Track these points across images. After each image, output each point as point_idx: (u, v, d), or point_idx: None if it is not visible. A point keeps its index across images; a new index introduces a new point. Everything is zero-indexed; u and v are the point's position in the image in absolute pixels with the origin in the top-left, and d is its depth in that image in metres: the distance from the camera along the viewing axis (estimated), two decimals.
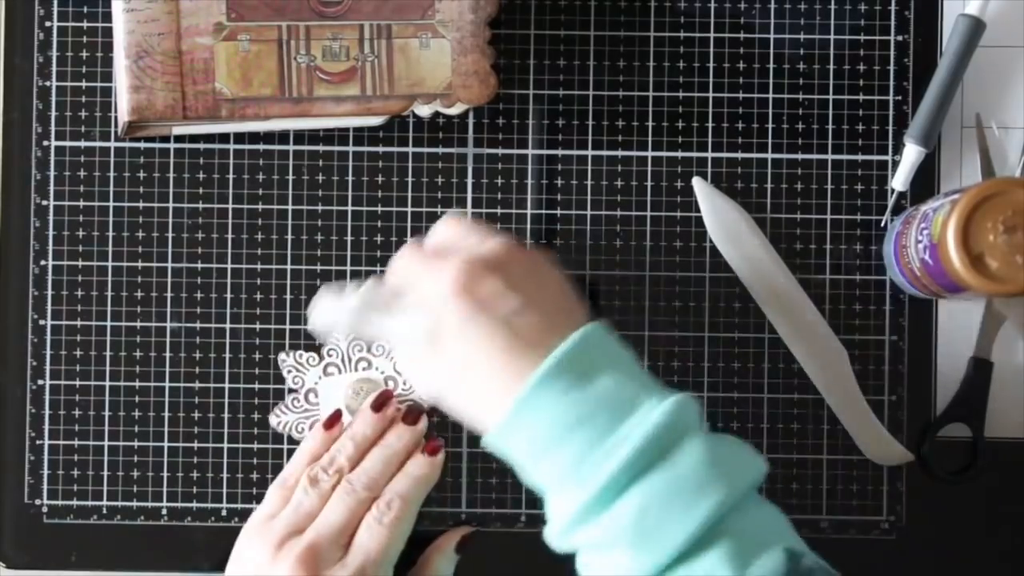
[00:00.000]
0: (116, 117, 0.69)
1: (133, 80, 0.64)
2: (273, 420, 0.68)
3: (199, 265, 0.70)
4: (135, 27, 0.64)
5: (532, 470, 0.54)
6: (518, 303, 0.54)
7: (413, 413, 0.67)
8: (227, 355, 0.70)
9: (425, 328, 0.55)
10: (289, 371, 0.68)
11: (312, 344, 0.69)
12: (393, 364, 0.67)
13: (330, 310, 0.58)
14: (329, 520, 0.63)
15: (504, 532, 0.70)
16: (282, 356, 0.68)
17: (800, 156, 0.70)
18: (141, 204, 0.70)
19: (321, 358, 0.68)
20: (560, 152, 0.70)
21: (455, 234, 0.58)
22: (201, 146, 0.69)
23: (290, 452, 0.69)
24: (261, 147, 0.70)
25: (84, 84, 0.70)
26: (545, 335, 0.54)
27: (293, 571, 0.61)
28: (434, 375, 0.56)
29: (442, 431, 0.69)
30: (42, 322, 0.69)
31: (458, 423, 0.69)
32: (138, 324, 0.70)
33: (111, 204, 0.70)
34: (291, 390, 0.68)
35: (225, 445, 0.69)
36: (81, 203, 0.70)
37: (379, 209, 0.70)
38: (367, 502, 0.64)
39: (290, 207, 0.70)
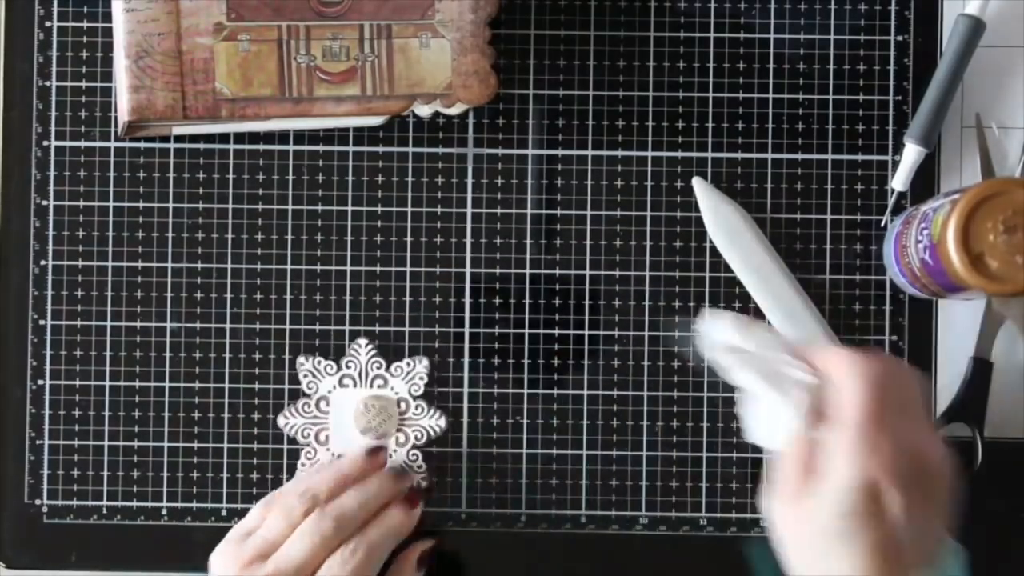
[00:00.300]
0: (116, 117, 0.69)
1: (133, 80, 0.64)
2: (281, 421, 0.68)
3: (199, 265, 0.70)
4: (135, 27, 0.64)
5: None
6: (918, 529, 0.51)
7: (401, 473, 0.67)
8: (227, 355, 0.70)
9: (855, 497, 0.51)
10: (305, 376, 0.67)
11: (328, 352, 0.69)
12: (408, 388, 0.67)
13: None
14: (291, 555, 0.62)
15: (504, 532, 0.70)
16: (300, 360, 0.68)
17: (800, 156, 0.70)
18: (141, 204, 0.70)
19: (339, 368, 0.67)
20: (560, 152, 0.70)
21: (895, 400, 0.53)
22: (201, 146, 0.69)
23: (291, 452, 0.69)
24: (261, 147, 0.70)
25: (84, 84, 0.70)
26: (917, 557, 0.51)
27: None
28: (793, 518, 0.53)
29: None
30: (42, 322, 0.69)
31: (458, 420, 0.70)
32: (138, 324, 0.70)
33: (111, 204, 0.70)
34: (304, 395, 0.68)
35: (225, 445, 0.69)
36: (81, 203, 0.70)
37: (379, 209, 0.70)
38: (333, 542, 0.63)
39: (290, 207, 0.70)
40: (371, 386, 0.67)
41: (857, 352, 0.54)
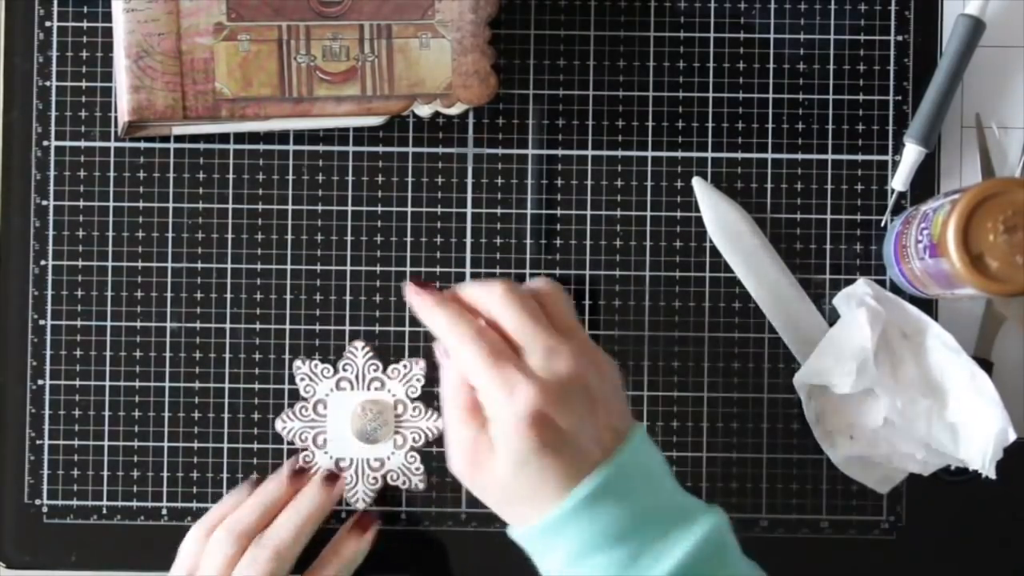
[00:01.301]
0: (116, 117, 0.69)
1: (133, 80, 0.64)
2: (279, 425, 0.68)
3: (199, 265, 0.70)
4: (135, 27, 0.64)
5: (564, 568, 0.55)
6: (581, 433, 0.55)
7: (330, 478, 0.67)
8: (227, 355, 0.70)
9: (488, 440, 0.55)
10: (303, 379, 0.67)
11: (328, 357, 0.69)
12: (406, 390, 0.66)
13: None
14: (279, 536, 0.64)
15: (504, 532, 0.70)
16: (297, 363, 0.67)
17: (800, 156, 0.70)
18: (141, 204, 0.70)
19: (336, 371, 0.67)
20: (560, 152, 0.70)
21: (524, 325, 0.57)
22: (201, 146, 0.69)
23: (290, 452, 0.69)
24: (261, 147, 0.70)
25: (84, 84, 0.70)
26: (595, 451, 0.55)
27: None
28: (480, 478, 0.57)
29: (440, 429, 0.69)
30: (42, 322, 0.69)
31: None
32: (138, 324, 0.70)
33: (111, 204, 0.70)
34: (302, 398, 0.68)
35: (225, 445, 0.69)
36: (81, 203, 0.70)
37: (379, 209, 0.70)
38: (275, 566, 0.63)
39: (290, 207, 0.70)
40: (368, 389, 0.66)
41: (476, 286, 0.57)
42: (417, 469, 0.68)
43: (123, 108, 0.65)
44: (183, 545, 0.65)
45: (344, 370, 0.66)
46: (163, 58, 0.64)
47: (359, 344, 0.66)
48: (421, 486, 0.67)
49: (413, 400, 0.66)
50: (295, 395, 0.69)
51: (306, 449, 0.68)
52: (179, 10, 0.64)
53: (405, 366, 0.66)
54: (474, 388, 0.56)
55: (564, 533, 0.54)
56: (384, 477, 0.65)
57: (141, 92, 0.64)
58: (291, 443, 0.68)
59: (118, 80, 0.66)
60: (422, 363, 0.65)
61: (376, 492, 0.66)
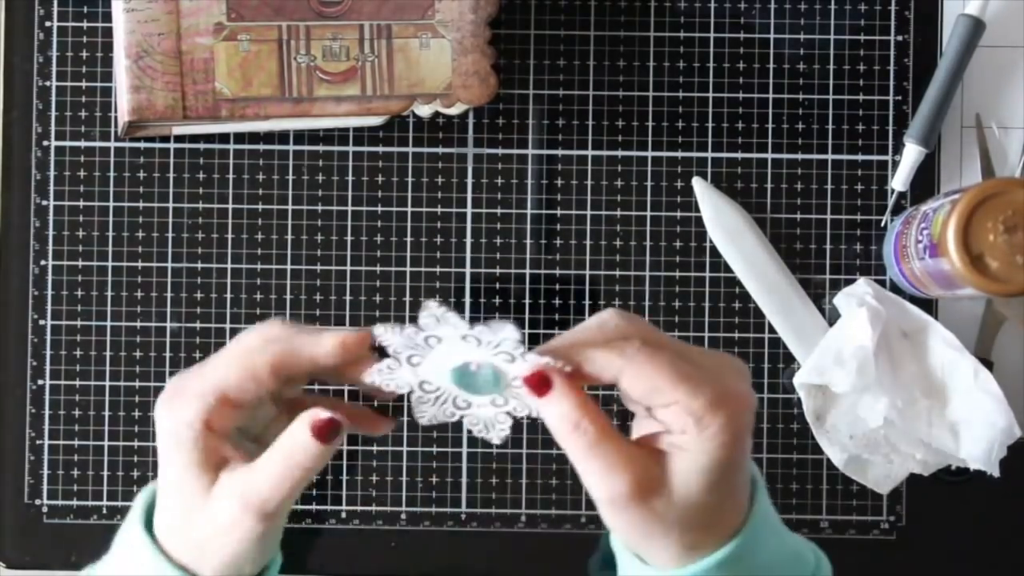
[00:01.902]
0: (116, 117, 0.69)
1: (133, 80, 0.64)
2: (377, 330, 0.52)
3: (199, 265, 0.70)
4: (135, 27, 0.64)
5: None
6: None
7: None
8: None
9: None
10: (427, 318, 0.51)
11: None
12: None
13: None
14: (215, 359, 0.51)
15: (504, 532, 0.70)
16: (429, 302, 0.50)
17: (800, 156, 0.70)
18: (141, 204, 0.70)
19: (470, 329, 0.52)
20: (560, 152, 0.70)
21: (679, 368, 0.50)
22: (201, 146, 0.69)
23: None
24: (261, 147, 0.70)
25: (84, 84, 0.70)
26: (744, 499, 0.51)
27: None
28: (647, 505, 0.49)
29: (441, 430, 0.69)
30: (42, 322, 0.69)
31: (457, 421, 0.69)
32: (138, 324, 0.70)
33: (111, 204, 0.70)
34: (417, 325, 0.53)
35: None
36: (81, 203, 0.70)
37: (379, 209, 0.70)
38: None
39: (290, 207, 0.70)
40: (496, 356, 0.52)
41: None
42: (503, 429, 0.56)
43: (123, 108, 0.65)
44: None
45: (481, 333, 0.52)
46: (163, 58, 0.64)
47: (508, 324, 0.51)
48: (496, 441, 0.56)
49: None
50: None
51: (394, 357, 0.54)
52: (179, 10, 0.64)
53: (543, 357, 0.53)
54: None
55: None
56: (463, 418, 0.53)
57: (141, 92, 0.64)
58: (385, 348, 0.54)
59: (118, 80, 0.66)
60: (560, 363, 0.53)
61: (441, 420, 0.55)
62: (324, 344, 0.51)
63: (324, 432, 0.51)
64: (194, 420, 0.50)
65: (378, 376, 0.54)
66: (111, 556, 0.54)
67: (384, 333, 0.53)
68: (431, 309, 0.51)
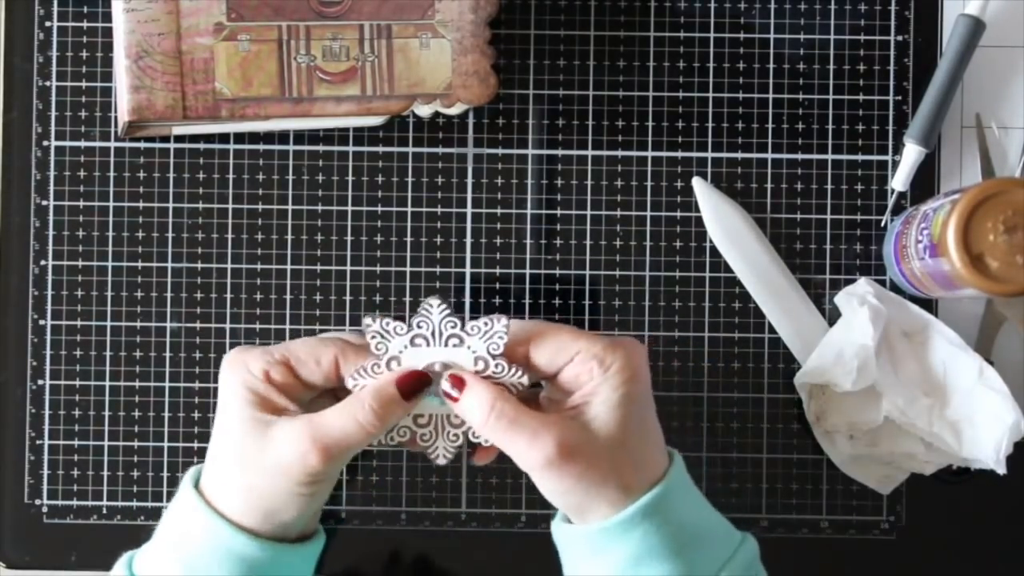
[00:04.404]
0: (116, 117, 0.69)
1: (133, 80, 0.64)
2: (350, 383, 0.58)
3: (199, 265, 0.70)
4: (135, 27, 0.64)
5: (615, 572, 0.55)
6: (657, 431, 0.58)
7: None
8: None
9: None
10: (373, 337, 0.59)
11: (400, 314, 0.69)
12: (487, 347, 0.58)
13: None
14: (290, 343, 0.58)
15: (504, 532, 0.70)
16: (367, 321, 0.59)
17: (800, 156, 0.70)
18: (141, 204, 0.70)
19: (409, 328, 0.59)
20: (560, 152, 0.70)
21: (577, 332, 0.57)
22: (201, 146, 0.69)
23: None
24: (261, 147, 0.70)
25: (84, 84, 0.70)
26: (662, 458, 0.57)
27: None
28: (572, 461, 0.54)
29: None
30: (42, 322, 0.69)
31: None
32: (138, 324, 0.70)
33: (111, 204, 0.70)
34: (372, 355, 0.59)
35: None
36: (81, 203, 0.70)
37: (379, 209, 0.70)
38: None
39: (290, 207, 0.70)
40: (446, 345, 0.59)
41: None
42: (448, 451, 0.60)
43: (123, 108, 0.65)
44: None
45: (419, 327, 0.59)
46: (163, 58, 0.64)
47: (434, 301, 0.59)
48: (440, 462, 0.60)
49: (495, 357, 0.58)
50: None
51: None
52: (179, 10, 0.64)
53: (486, 323, 0.58)
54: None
55: (627, 536, 0.54)
56: (465, 434, 0.59)
57: (141, 92, 0.64)
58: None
59: (118, 80, 0.66)
60: (504, 320, 0.58)
61: (457, 449, 0.59)
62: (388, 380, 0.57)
63: (408, 383, 0.57)
64: (257, 370, 0.56)
65: (381, 436, 0.58)
66: (162, 524, 0.58)
67: (356, 379, 0.58)
68: (372, 326, 0.58)
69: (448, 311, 0.58)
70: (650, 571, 0.54)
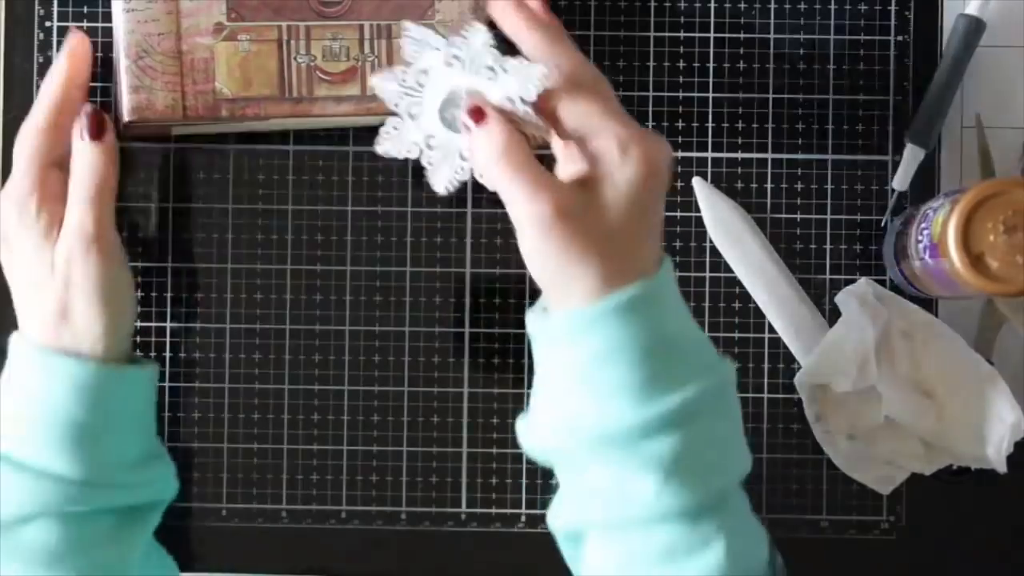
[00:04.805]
0: (116, 117, 0.69)
1: (133, 80, 0.64)
2: (375, 80, 0.58)
3: (199, 265, 0.70)
4: (135, 27, 0.64)
5: (582, 366, 0.54)
6: (659, 227, 0.57)
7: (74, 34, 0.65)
8: (227, 355, 0.69)
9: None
10: (411, 43, 0.57)
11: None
12: (520, 89, 0.55)
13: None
14: (11, 176, 0.63)
15: (504, 532, 0.70)
16: (407, 24, 0.58)
17: (800, 156, 0.70)
18: (141, 204, 0.70)
19: (448, 45, 0.57)
20: None
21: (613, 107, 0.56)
22: (201, 146, 0.69)
23: (290, 452, 0.69)
24: (261, 147, 0.70)
25: None
26: (653, 256, 0.56)
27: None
28: (568, 227, 0.53)
29: (441, 430, 0.69)
30: None
31: (458, 420, 0.69)
32: (138, 324, 0.69)
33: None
34: (405, 62, 0.58)
35: (225, 445, 0.69)
36: None
37: (379, 209, 0.70)
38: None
39: (290, 207, 0.70)
40: (478, 74, 0.57)
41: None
42: (452, 181, 0.59)
43: (123, 108, 0.65)
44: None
45: (456, 47, 0.57)
46: (163, 58, 0.64)
47: (480, 27, 0.57)
48: (439, 190, 0.59)
49: (525, 102, 0.56)
50: (295, 394, 0.69)
51: (398, 115, 0.59)
52: (179, 10, 0.64)
53: (527, 65, 0.56)
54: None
55: (598, 330, 0.53)
56: (473, 170, 0.57)
57: (141, 92, 0.64)
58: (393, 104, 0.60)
59: (118, 80, 0.66)
60: (543, 68, 0.55)
61: (459, 183, 0.58)
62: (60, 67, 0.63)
63: (94, 128, 0.63)
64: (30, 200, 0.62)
65: (388, 143, 0.58)
66: None
67: (380, 82, 0.57)
68: (411, 32, 0.56)
69: (492, 40, 0.56)
70: (616, 370, 0.53)
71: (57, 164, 0.63)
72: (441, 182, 0.58)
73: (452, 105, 0.57)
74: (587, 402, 0.54)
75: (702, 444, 0.54)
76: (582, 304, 0.53)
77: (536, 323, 0.56)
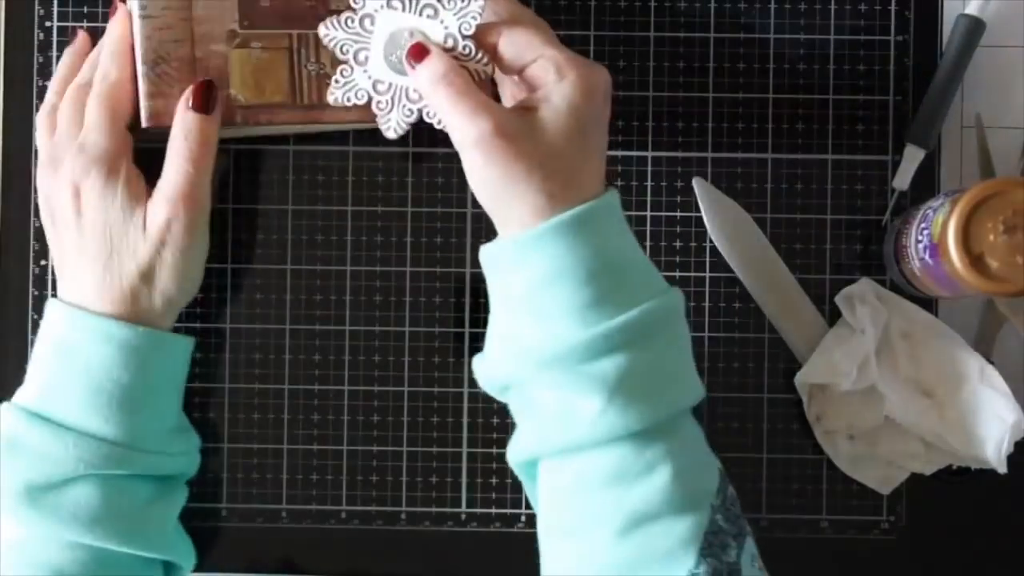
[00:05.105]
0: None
1: (150, 87, 0.64)
2: (322, 31, 0.62)
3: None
4: (151, 33, 0.64)
5: (527, 289, 0.55)
6: (602, 150, 0.59)
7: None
8: (227, 355, 0.69)
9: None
10: None
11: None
12: (459, 25, 0.60)
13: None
14: (87, 135, 0.62)
15: (504, 532, 0.70)
16: None
17: (800, 156, 0.70)
18: None
19: None
20: None
21: (551, 39, 0.59)
22: None
23: (289, 451, 0.69)
24: (261, 147, 0.70)
25: None
26: (596, 180, 0.58)
27: (42, 185, 0.64)
28: (508, 151, 0.56)
29: (441, 430, 0.69)
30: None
31: (458, 420, 0.69)
32: None
33: None
34: (350, 8, 0.62)
35: (225, 445, 0.69)
36: None
37: (379, 209, 0.70)
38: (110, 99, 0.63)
39: (290, 207, 0.70)
40: (420, 15, 0.61)
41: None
42: (401, 124, 0.63)
43: (141, 115, 0.64)
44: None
45: None
46: (179, 64, 0.64)
47: None
48: (390, 135, 0.63)
49: (465, 37, 0.60)
50: (295, 395, 0.69)
51: (346, 63, 0.62)
52: (193, 17, 0.64)
53: (464, 1, 0.60)
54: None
55: (542, 250, 0.55)
56: (420, 111, 0.62)
57: (158, 98, 0.64)
58: (334, 54, 0.63)
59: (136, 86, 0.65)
60: (480, 1, 0.59)
61: (409, 124, 0.62)
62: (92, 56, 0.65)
63: (199, 98, 0.62)
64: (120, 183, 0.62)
65: (338, 92, 0.62)
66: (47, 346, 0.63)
67: (326, 30, 0.61)
68: None
69: None
70: (560, 291, 0.54)
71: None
72: (391, 126, 0.61)
73: (396, 47, 0.60)
74: (533, 324, 0.55)
75: (647, 367, 0.55)
76: (527, 225, 0.55)
77: (484, 253, 0.58)
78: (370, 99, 0.62)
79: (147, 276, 0.62)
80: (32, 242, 0.69)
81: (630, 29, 0.70)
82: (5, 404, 0.62)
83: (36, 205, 0.69)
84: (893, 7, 0.70)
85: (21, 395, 0.62)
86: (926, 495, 0.69)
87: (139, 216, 0.62)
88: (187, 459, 0.66)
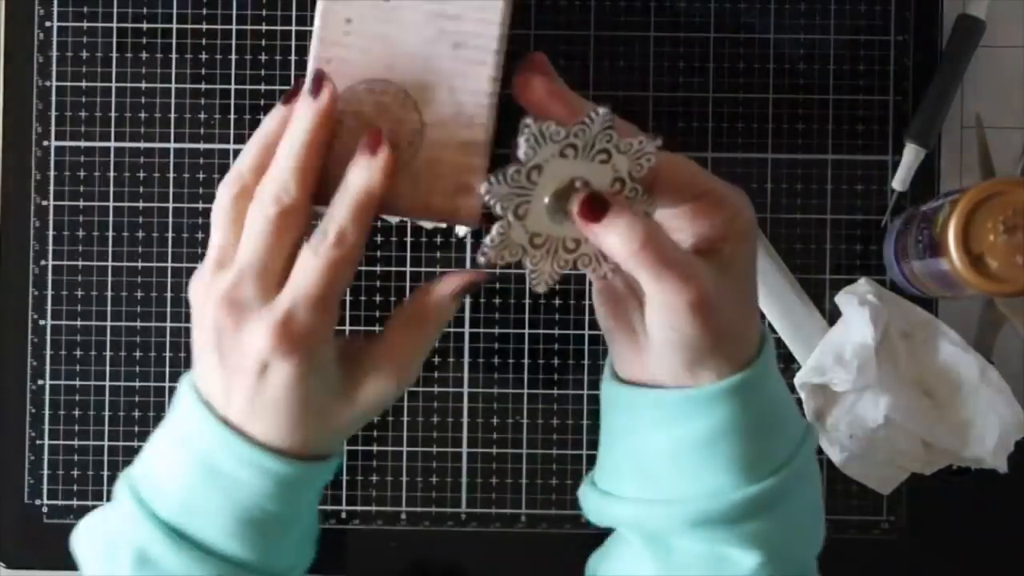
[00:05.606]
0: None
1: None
2: (483, 188, 0.51)
3: (199, 265, 0.69)
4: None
5: (686, 444, 0.51)
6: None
7: (317, 81, 0.51)
8: None
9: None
10: (527, 139, 0.51)
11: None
12: (630, 168, 0.51)
13: None
14: (246, 256, 0.51)
15: (504, 532, 0.70)
16: (527, 121, 0.51)
17: (800, 156, 0.70)
18: (141, 204, 0.70)
19: (567, 136, 0.51)
20: None
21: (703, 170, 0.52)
22: (201, 146, 0.69)
23: None
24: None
25: (84, 84, 0.70)
26: (759, 325, 0.53)
27: (217, 317, 0.51)
28: (707, 304, 0.49)
29: (441, 430, 0.69)
30: (42, 322, 0.69)
31: (458, 420, 0.69)
32: (138, 324, 0.70)
33: (111, 204, 0.70)
34: (517, 161, 0.51)
35: None
36: (81, 203, 0.70)
37: None
38: (283, 218, 0.52)
39: None
40: (593, 160, 0.51)
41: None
42: (552, 278, 0.54)
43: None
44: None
45: (575, 136, 0.51)
46: None
47: (603, 111, 0.51)
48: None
49: (633, 180, 0.52)
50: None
51: (503, 218, 0.52)
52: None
53: (640, 142, 0.51)
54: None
55: (712, 409, 0.50)
56: (575, 261, 0.53)
57: None
58: (489, 213, 0.54)
59: None
60: (659, 140, 0.51)
61: (559, 276, 0.54)
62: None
63: (460, 289, 0.56)
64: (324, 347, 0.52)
65: (491, 252, 0.53)
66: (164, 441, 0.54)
67: (492, 186, 0.50)
68: (530, 127, 0.49)
69: (611, 123, 0.50)
70: (723, 450, 0.50)
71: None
72: (543, 280, 0.53)
73: (557, 197, 0.51)
74: (682, 478, 0.51)
75: (801, 513, 0.53)
76: (689, 382, 0.51)
77: (627, 397, 0.53)
78: (524, 252, 0.53)
79: (323, 416, 0.53)
80: (32, 242, 0.69)
81: (630, 29, 0.70)
82: (140, 507, 0.53)
83: (36, 205, 0.70)
84: (893, 7, 0.70)
85: (160, 502, 0.53)
86: (926, 495, 0.69)
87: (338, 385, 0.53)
88: (307, 559, 0.59)
